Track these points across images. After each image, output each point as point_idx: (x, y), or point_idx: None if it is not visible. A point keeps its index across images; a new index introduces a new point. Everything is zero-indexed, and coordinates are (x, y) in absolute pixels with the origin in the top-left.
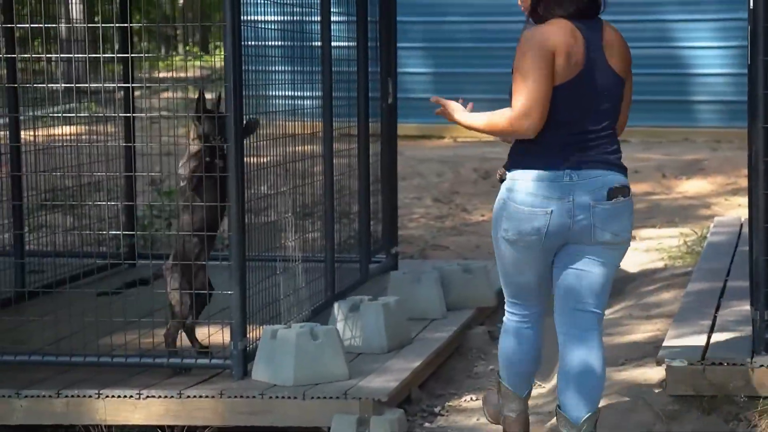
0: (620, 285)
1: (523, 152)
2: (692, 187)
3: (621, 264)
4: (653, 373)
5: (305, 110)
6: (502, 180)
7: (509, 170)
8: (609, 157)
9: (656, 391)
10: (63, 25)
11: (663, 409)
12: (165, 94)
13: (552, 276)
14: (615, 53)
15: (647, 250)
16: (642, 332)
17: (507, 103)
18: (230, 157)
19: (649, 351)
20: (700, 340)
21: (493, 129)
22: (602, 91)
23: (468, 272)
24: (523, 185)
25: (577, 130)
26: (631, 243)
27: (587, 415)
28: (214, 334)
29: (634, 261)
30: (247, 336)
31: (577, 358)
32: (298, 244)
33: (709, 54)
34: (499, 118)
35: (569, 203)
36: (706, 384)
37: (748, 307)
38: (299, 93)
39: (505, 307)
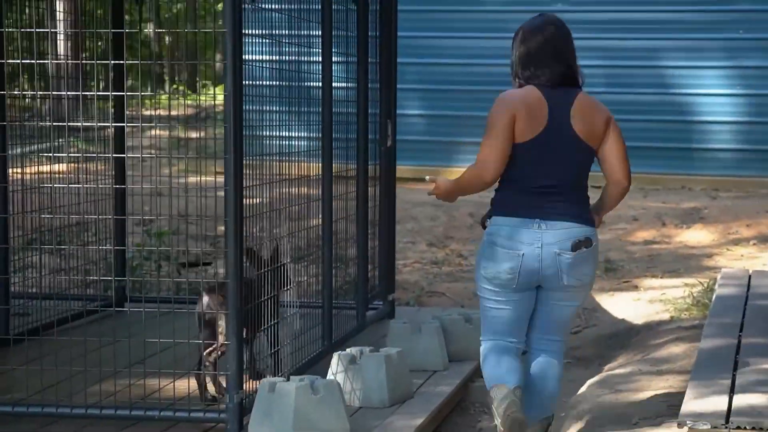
0: (625, 337)
1: (501, 201)
2: (693, 236)
3: (625, 315)
4: None
5: (303, 151)
6: (485, 227)
7: (490, 217)
8: (575, 209)
9: None
10: (54, 61)
11: None
12: (152, 132)
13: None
14: (581, 120)
15: (651, 300)
16: (653, 389)
17: None
18: (228, 201)
19: (663, 410)
20: (721, 402)
21: (466, 182)
22: (565, 151)
23: (469, 322)
24: (500, 230)
25: (544, 183)
26: (635, 293)
27: (542, 417)
28: (206, 385)
29: (638, 312)
30: (244, 388)
31: (539, 368)
32: (296, 290)
33: (710, 101)
34: (468, 171)
35: (538, 249)
36: None
37: None
38: (297, 134)
39: (482, 338)
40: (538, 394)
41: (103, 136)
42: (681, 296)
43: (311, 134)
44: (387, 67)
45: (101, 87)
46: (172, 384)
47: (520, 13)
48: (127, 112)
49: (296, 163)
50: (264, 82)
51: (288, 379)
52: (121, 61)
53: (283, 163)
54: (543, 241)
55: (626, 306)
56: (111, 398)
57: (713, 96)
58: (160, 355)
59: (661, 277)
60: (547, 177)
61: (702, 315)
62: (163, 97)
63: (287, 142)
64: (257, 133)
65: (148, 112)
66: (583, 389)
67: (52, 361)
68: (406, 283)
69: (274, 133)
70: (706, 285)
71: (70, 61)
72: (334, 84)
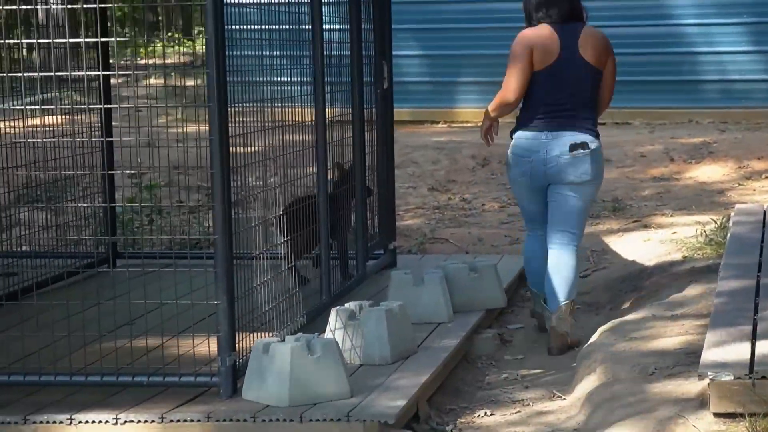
0: (636, 279)
1: (521, 118)
2: (703, 171)
3: (636, 256)
4: (690, 387)
5: (295, 96)
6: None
7: (513, 131)
8: (578, 122)
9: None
10: (40, 7)
11: (708, 430)
12: (146, 81)
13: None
14: (588, 48)
15: (662, 240)
16: (669, 336)
17: (500, 85)
18: (214, 149)
19: (681, 359)
20: (743, 350)
21: (495, 105)
22: (575, 75)
23: (475, 271)
24: (516, 142)
25: (554, 103)
26: (645, 233)
27: (564, 302)
28: (199, 345)
29: (648, 252)
30: (237, 349)
31: (555, 259)
32: (291, 243)
33: (714, 31)
34: (497, 97)
35: (544, 155)
36: (757, 401)
37: None
38: (288, 79)
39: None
40: (558, 281)
41: (96, 86)
42: (693, 235)
43: (303, 78)
44: (380, 5)
45: (90, 36)
46: (161, 347)
47: None
48: (122, 62)
49: (289, 109)
50: (250, 26)
51: (283, 339)
52: (102, 5)
53: (276, 110)
54: (548, 147)
55: (636, 247)
56: (97, 364)
57: (719, 26)
58: (147, 317)
59: (671, 216)
60: (560, 97)
61: (716, 254)
62: (158, 44)
63: (279, 88)
64: (245, 78)
65: (143, 61)
66: (594, 337)
67: (33, 326)
68: (408, 230)
69: (264, 78)
70: (719, 222)
71: (54, 6)
72: (325, 26)
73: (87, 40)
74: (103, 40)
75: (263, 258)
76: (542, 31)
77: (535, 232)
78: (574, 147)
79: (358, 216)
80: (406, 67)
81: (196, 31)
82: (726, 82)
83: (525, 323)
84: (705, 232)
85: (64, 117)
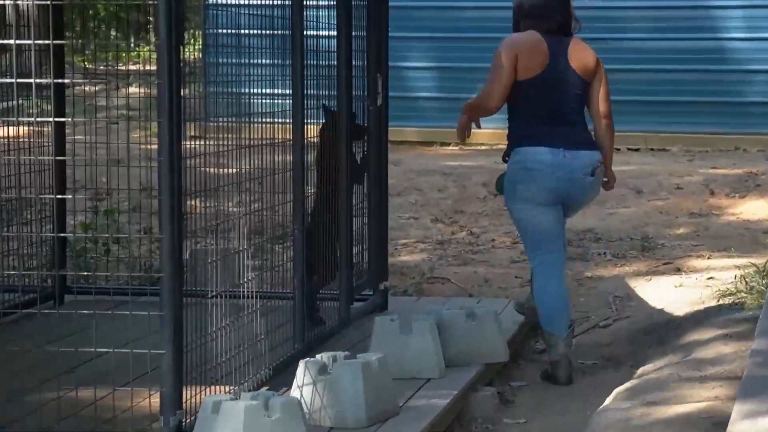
0: (663, 332)
1: (524, 132)
2: (748, 207)
3: (664, 304)
4: None
5: (272, 112)
6: (505, 161)
7: (514, 148)
8: (587, 137)
9: None
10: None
11: None
12: (131, 90)
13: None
14: (576, 58)
15: (696, 286)
16: (695, 401)
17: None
18: (162, 171)
19: (708, 429)
20: None
21: (475, 109)
22: (569, 84)
23: (473, 318)
24: (532, 157)
25: (554, 115)
26: (676, 277)
27: (569, 329)
28: (141, 402)
29: (679, 299)
30: (183, 407)
31: (560, 290)
32: (259, 278)
33: (767, 47)
34: (477, 100)
35: (567, 173)
36: None
37: None
38: (263, 91)
39: (530, 264)
40: (565, 312)
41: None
42: (732, 281)
43: (284, 91)
44: (377, 9)
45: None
46: (101, 401)
47: None
48: (102, 67)
49: (265, 126)
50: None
51: (238, 397)
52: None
53: (248, 126)
54: (571, 167)
55: (666, 293)
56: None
57: None
58: (93, 362)
59: (708, 258)
60: (558, 108)
61: (758, 305)
62: (144, 49)
63: (257, 101)
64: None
65: (123, 67)
66: (608, 400)
67: None
68: (405, 267)
69: (237, 90)
70: (763, 268)
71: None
72: (312, 32)
73: (38, 42)
74: (56, 42)
75: (223, 298)
76: (531, 37)
77: (549, 255)
78: (595, 170)
79: (342, 248)
80: (414, 80)
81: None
82: None
83: (530, 380)
84: (745, 278)
85: (15, 129)
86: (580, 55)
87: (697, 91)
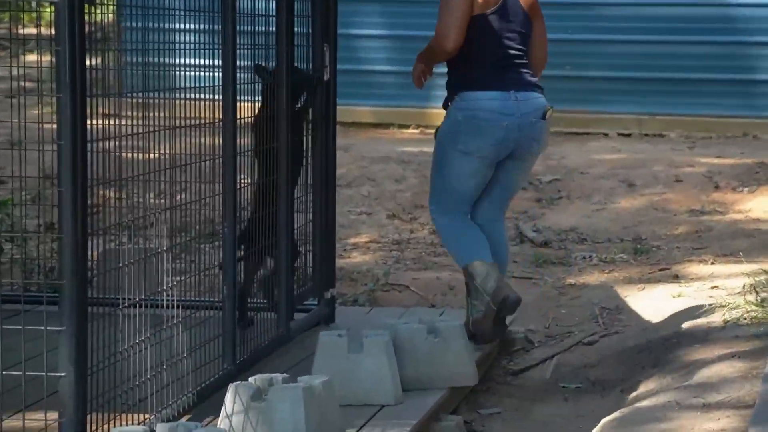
0: (659, 350)
1: (472, 77)
2: (758, 204)
3: (660, 317)
4: None
5: (198, 87)
6: (446, 106)
7: (458, 92)
8: (534, 79)
9: None
10: None
11: None
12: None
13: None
14: None
15: (696, 296)
16: None
17: None
18: (64, 157)
19: None
20: None
21: (429, 52)
22: (519, 23)
23: (435, 334)
24: (479, 104)
25: (506, 55)
26: (674, 286)
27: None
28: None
29: (678, 312)
30: None
31: (498, 238)
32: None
33: None
34: (430, 45)
35: (518, 119)
36: None
37: None
38: (189, 61)
39: (433, 215)
40: (500, 262)
41: None
42: (740, 291)
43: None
44: None
45: None
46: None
47: None
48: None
49: (188, 103)
50: None
51: (153, 428)
52: None
53: (169, 102)
54: (521, 111)
55: (663, 304)
56: None
57: None
58: None
59: (711, 263)
60: (509, 48)
61: None
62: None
63: (181, 73)
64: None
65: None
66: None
67: None
68: (356, 272)
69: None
70: None
71: None
72: None
73: None
74: None
75: (138, 308)
76: None
77: (463, 216)
78: (545, 113)
79: (280, 250)
80: (367, 51)
81: None
82: None
83: (503, 407)
84: (755, 288)
85: None
86: None
87: (698, 67)
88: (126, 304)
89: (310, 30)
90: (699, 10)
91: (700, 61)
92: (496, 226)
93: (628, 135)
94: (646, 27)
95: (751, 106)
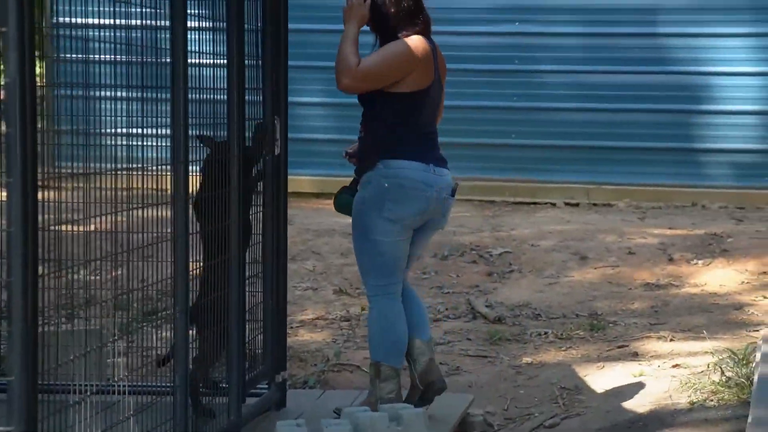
0: None
1: (403, 145)
2: (713, 278)
3: (622, 398)
4: None
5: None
6: (361, 172)
7: (381, 160)
8: (443, 156)
9: None
10: None
11: None
12: None
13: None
14: (442, 67)
15: (657, 375)
16: None
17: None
18: (15, 224)
19: None
20: None
21: (340, 57)
22: (439, 98)
23: (396, 421)
24: (404, 173)
25: (427, 130)
26: (635, 364)
27: (430, 336)
28: None
29: (641, 394)
30: None
31: (413, 300)
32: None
33: (732, 83)
34: (346, 57)
35: (436, 192)
36: None
37: None
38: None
39: (371, 293)
40: (422, 321)
41: None
42: (703, 370)
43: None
44: (274, 36)
45: None
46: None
47: None
48: None
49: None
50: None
51: None
52: None
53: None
54: (438, 184)
55: (623, 384)
56: None
57: (736, 76)
58: None
59: (671, 340)
60: (430, 123)
61: (738, 401)
62: None
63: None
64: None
65: None
66: None
67: None
68: (304, 351)
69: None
70: (741, 353)
71: None
72: (194, 60)
73: None
74: None
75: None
76: (426, 47)
77: (396, 287)
78: (454, 190)
79: (231, 332)
80: (309, 119)
81: None
82: (744, 152)
83: None
84: (720, 366)
85: None
86: (442, 63)
87: (646, 136)
88: (74, 402)
89: (262, 100)
90: (646, 78)
91: (647, 130)
92: (408, 291)
93: (576, 204)
94: (592, 95)
95: (699, 174)
